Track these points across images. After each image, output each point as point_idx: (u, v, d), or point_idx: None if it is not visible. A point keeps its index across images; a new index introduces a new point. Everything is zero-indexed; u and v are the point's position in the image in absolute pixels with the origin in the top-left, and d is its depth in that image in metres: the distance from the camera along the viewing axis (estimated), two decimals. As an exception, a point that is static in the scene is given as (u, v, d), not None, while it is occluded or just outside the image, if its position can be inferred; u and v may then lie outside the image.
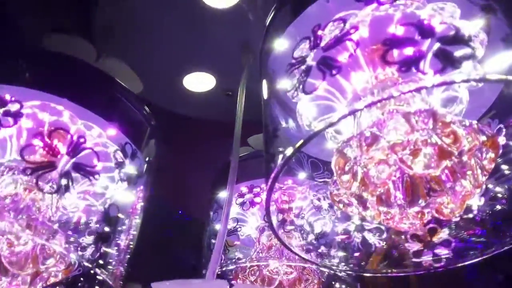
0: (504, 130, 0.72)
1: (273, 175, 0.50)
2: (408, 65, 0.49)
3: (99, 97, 0.76)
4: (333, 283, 1.15)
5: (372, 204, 0.61)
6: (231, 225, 1.23)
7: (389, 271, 0.79)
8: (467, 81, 0.41)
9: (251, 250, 1.17)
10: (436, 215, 0.60)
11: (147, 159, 0.82)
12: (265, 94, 0.69)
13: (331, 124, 0.46)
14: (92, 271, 0.67)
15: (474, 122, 0.56)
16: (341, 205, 0.60)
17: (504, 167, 0.64)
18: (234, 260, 1.16)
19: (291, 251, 0.65)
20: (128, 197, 0.73)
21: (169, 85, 1.37)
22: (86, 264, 0.66)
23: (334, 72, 0.54)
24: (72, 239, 0.69)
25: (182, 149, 1.52)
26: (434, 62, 0.53)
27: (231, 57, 1.28)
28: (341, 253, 0.90)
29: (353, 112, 0.45)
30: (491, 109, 0.75)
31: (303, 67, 0.60)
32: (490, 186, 0.62)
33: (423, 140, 0.52)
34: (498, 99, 0.74)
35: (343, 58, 0.60)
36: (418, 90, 0.46)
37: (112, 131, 0.74)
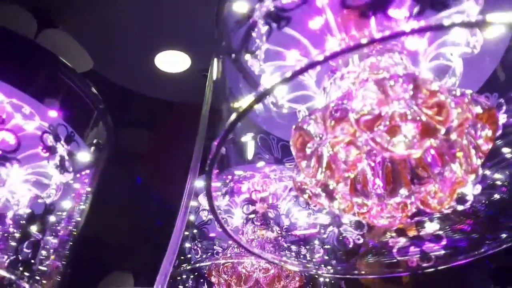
0: (504, 105, 0.61)
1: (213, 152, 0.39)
2: (375, 8, 0.38)
3: (33, 75, 0.66)
4: (316, 277, 1.06)
5: (344, 194, 0.50)
6: (207, 217, 1.13)
7: (372, 271, 0.69)
8: (458, 25, 0.30)
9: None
10: (422, 207, 0.50)
11: (94, 141, 0.72)
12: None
13: (276, 84, 0.35)
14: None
15: (469, 91, 0.45)
16: (305, 196, 0.49)
17: (506, 150, 0.53)
18: (207, 255, 1.07)
19: (248, 250, 0.55)
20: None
21: (138, 64, 1.25)
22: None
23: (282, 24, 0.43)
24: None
25: (158, 134, 1.42)
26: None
27: (208, 34, 1.17)
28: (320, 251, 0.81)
29: (307, 68, 0.35)
30: (489, 82, 0.64)
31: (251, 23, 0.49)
32: (487, 172, 0.51)
33: (400, 113, 0.41)
34: (497, 70, 0.63)
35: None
36: (395, 36, 0.35)
37: (48, 112, 0.64)
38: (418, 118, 0.41)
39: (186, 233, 1.17)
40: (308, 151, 0.45)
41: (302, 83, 0.60)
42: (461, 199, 0.51)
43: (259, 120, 0.73)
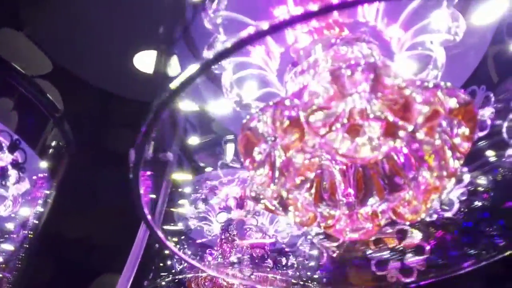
0: (492, 99, 0.54)
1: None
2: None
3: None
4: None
5: (306, 205, 0.44)
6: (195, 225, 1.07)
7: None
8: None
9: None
10: (394, 217, 0.43)
11: (53, 144, 0.67)
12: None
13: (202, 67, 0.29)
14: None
15: (444, 83, 0.38)
16: (261, 206, 0.43)
17: (490, 153, 0.47)
18: (188, 266, 1.01)
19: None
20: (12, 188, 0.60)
21: (116, 65, 1.19)
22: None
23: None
24: None
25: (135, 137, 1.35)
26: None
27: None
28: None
29: (237, 46, 0.28)
30: (475, 74, 0.57)
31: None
32: (467, 176, 0.45)
33: (360, 109, 0.34)
34: (484, 60, 0.57)
35: None
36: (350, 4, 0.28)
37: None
38: (380, 115, 0.35)
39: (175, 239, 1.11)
40: (258, 156, 0.39)
41: (265, 78, 0.54)
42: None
43: (228, 123, 0.67)
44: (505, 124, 0.50)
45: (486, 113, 0.53)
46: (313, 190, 0.45)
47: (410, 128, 0.35)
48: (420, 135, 0.35)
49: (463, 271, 0.46)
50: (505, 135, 0.50)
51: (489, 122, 0.53)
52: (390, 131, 0.35)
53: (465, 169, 0.54)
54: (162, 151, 0.49)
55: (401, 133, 0.35)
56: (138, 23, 1.13)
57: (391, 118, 0.34)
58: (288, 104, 0.38)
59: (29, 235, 0.70)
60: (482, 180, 0.45)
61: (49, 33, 1.06)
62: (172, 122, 0.52)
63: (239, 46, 0.28)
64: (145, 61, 1.17)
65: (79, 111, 1.02)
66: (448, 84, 0.36)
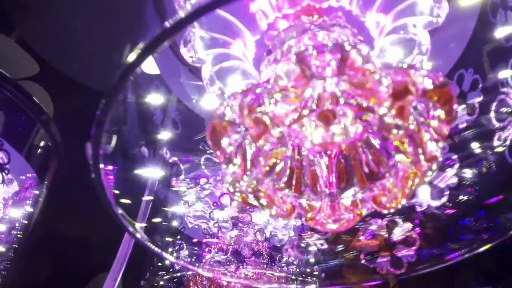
0: (481, 83, 0.52)
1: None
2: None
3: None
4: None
5: (284, 196, 0.42)
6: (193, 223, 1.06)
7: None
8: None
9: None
10: (375, 206, 0.41)
11: (41, 144, 0.66)
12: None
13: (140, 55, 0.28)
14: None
15: (419, 64, 0.36)
16: (237, 199, 0.42)
17: (474, 144, 0.45)
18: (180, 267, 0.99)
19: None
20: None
21: (107, 64, 1.18)
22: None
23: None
24: None
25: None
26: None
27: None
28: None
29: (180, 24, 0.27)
30: (463, 57, 0.55)
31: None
32: (453, 171, 0.43)
33: (330, 93, 0.33)
34: (471, 43, 0.55)
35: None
36: None
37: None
38: (348, 99, 0.33)
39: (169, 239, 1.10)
40: (229, 148, 0.38)
41: (240, 68, 0.52)
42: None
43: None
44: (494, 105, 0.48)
45: (475, 99, 0.51)
46: (293, 181, 0.44)
47: (379, 110, 0.33)
48: (388, 118, 0.33)
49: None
50: (493, 119, 0.48)
51: (476, 106, 0.51)
52: (358, 114, 0.33)
53: (455, 156, 0.52)
54: (137, 146, 0.48)
55: (368, 116, 0.33)
56: (129, 23, 1.12)
57: (358, 101, 0.32)
58: (257, 91, 0.36)
59: (18, 235, 0.69)
60: (467, 174, 0.43)
61: (39, 34, 1.05)
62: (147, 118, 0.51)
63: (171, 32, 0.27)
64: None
65: (70, 110, 1.02)
66: (424, 65, 0.35)
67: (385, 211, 0.39)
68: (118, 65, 0.31)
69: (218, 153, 0.38)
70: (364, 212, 0.42)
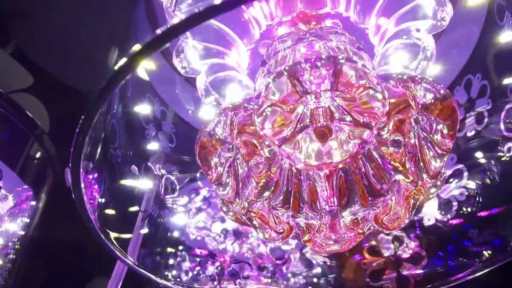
0: (489, 89, 0.49)
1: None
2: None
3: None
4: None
5: (279, 216, 0.40)
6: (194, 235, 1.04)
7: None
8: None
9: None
10: (376, 226, 0.39)
11: (37, 156, 0.65)
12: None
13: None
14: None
15: (420, 77, 0.34)
16: (230, 217, 0.39)
17: (478, 154, 0.42)
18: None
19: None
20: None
21: (99, 70, 1.17)
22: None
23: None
24: None
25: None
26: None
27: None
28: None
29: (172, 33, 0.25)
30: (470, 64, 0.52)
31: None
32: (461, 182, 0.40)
33: (318, 110, 0.30)
34: (478, 47, 0.52)
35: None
36: None
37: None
38: (344, 115, 0.31)
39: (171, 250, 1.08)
40: (220, 168, 0.35)
41: (236, 78, 0.50)
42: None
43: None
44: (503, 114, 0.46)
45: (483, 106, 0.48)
46: (290, 199, 0.41)
47: (376, 126, 0.31)
48: (386, 134, 0.30)
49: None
50: (502, 127, 0.45)
51: (486, 115, 0.48)
52: (355, 131, 0.31)
53: (461, 165, 0.49)
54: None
55: (365, 133, 0.30)
56: (122, 29, 1.10)
57: (353, 117, 0.30)
58: (248, 106, 0.34)
59: (16, 246, 0.68)
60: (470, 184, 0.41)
61: (36, 42, 1.04)
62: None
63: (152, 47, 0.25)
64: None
65: (66, 118, 1.00)
66: (424, 77, 0.32)
67: (387, 231, 0.37)
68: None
69: (206, 170, 0.36)
70: (366, 230, 0.40)
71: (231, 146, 0.35)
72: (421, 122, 0.33)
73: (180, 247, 0.87)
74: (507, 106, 0.44)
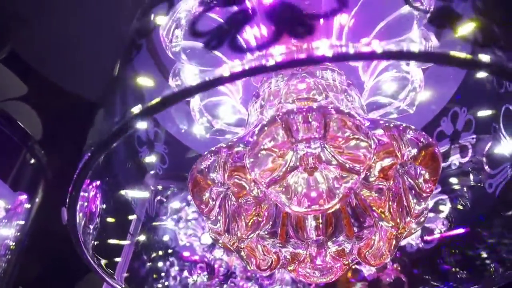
0: (474, 122, 0.51)
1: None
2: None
3: None
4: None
5: (268, 246, 0.41)
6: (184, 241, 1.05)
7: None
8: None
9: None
10: (360, 260, 0.40)
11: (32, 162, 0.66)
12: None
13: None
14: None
15: (405, 125, 0.35)
16: (218, 244, 0.41)
17: (453, 180, 0.45)
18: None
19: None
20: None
21: (101, 75, 1.17)
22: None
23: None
24: None
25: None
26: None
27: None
28: None
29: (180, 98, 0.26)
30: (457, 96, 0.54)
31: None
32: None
33: (308, 156, 0.32)
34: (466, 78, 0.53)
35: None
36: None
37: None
38: (332, 160, 0.32)
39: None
40: (211, 202, 0.37)
41: (229, 103, 0.51)
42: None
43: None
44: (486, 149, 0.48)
45: (468, 140, 0.50)
46: (278, 229, 0.43)
47: (362, 172, 0.32)
48: (372, 178, 0.32)
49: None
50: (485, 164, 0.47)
51: (470, 148, 0.50)
52: (342, 176, 0.32)
53: (445, 196, 0.51)
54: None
55: (353, 179, 0.32)
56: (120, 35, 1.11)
57: (340, 162, 0.31)
58: (238, 148, 0.35)
59: (11, 247, 0.70)
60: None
61: (32, 45, 1.04)
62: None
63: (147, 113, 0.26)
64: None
65: (61, 123, 1.01)
66: (409, 126, 0.34)
67: (370, 267, 0.38)
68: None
69: (198, 204, 0.37)
70: (351, 262, 0.41)
71: (223, 183, 0.36)
72: (405, 167, 0.34)
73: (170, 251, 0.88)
74: (490, 143, 0.46)
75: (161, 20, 0.41)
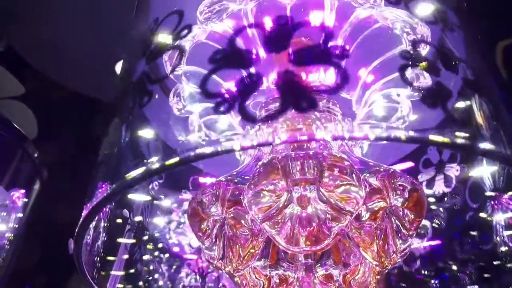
0: (459, 155, 0.53)
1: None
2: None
3: None
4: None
5: (259, 269, 0.43)
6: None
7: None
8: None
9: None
10: (344, 286, 0.43)
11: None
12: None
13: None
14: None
15: (393, 169, 0.38)
16: (212, 265, 0.43)
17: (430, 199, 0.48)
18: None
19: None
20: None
21: (101, 73, 1.19)
22: None
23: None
24: None
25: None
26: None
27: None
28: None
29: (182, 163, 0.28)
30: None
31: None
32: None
33: (303, 197, 0.34)
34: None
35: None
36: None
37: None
38: (327, 203, 0.35)
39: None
40: (209, 231, 0.39)
41: (228, 123, 0.53)
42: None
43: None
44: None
45: (453, 171, 0.53)
46: (269, 251, 0.45)
47: (353, 213, 0.35)
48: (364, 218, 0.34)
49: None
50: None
51: (453, 179, 0.52)
52: (334, 216, 0.35)
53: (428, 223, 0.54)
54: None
55: (344, 220, 0.34)
56: (119, 35, 1.12)
57: (332, 204, 0.34)
58: (237, 184, 0.37)
59: (10, 238, 0.72)
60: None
61: (29, 41, 1.05)
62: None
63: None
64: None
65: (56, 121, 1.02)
66: (397, 170, 0.36)
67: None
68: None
69: (196, 231, 0.39)
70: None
71: (220, 215, 0.38)
72: (393, 209, 0.37)
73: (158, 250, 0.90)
74: (472, 179, 0.49)
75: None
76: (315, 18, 0.36)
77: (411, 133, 0.27)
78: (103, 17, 1.07)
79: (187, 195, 0.67)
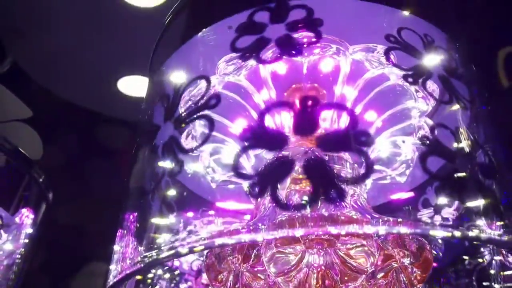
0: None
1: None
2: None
3: None
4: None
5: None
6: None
7: None
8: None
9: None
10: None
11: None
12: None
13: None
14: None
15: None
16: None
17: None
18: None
19: None
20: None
21: (103, 89, 1.21)
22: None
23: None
24: None
25: (122, 154, 1.37)
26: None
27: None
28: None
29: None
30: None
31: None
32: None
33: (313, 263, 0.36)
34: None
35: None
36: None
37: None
38: (338, 262, 0.37)
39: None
40: (223, 278, 0.41)
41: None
42: None
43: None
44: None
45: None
46: None
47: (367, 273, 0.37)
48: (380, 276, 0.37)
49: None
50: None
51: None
52: (347, 275, 0.37)
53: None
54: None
55: (358, 279, 0.36)
56: (122, 52, 1.14)
57: (346, 264, 0.36)
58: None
59: (21, 253, 0.72)
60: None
61: (33, 59, 1.06)
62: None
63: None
64: (130, 85, 1.19)
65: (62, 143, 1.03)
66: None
67: None
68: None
69: (212, 281, 0.41)
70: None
71: (236, 266, 0.40)
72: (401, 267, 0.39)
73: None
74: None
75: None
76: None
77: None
78: (105, 34, 1.08)
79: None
